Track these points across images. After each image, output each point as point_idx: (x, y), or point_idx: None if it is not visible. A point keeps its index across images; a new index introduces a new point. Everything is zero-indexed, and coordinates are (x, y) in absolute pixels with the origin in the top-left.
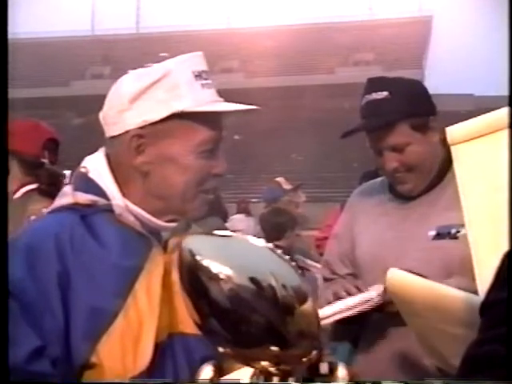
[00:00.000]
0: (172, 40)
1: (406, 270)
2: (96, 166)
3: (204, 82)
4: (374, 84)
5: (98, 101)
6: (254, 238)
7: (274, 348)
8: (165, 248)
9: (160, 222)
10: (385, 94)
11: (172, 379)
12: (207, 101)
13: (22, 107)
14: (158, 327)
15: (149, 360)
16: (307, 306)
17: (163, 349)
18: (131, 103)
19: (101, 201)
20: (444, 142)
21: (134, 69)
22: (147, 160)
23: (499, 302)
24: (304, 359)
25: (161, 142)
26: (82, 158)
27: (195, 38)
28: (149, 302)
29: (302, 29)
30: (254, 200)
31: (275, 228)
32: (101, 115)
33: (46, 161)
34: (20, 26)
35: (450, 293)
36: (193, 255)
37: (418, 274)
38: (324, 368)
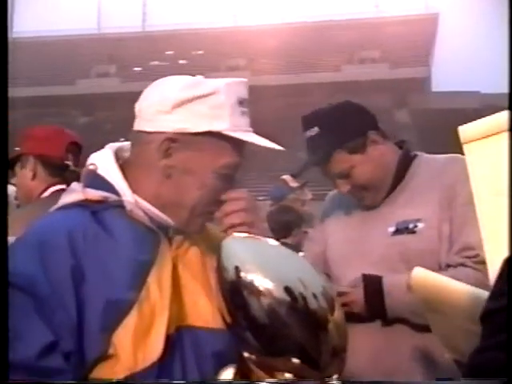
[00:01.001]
0: (178, 38)
1: (368, 265)
2: (104, 163)
3: (244, 109)
4: (306, 121)
5: (104, 99)
6: (275, 240)
7: (296, 360)
8: (170, 243)
9: (168, 218)
10: (315, 129)
11: (180, 373)
12: (243, 129)
13: (28, 105)
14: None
15: (160, 352)
16: (337, 314)
17: (172, 341)
18: (173, 108)
19: (112, 197)
20: (400, 146)
21: (140, 67)
22: (171, 164)
23: (499, 310)
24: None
25: (189, 152)
26: (88, 156)
27: (201, 36)
28: (160, 296)
29: (307, 27)
30: (260, 198)
31: (283, 226)
32: (136, 107)
33: (70, 163)
34: (26, 25)
35: (470, 291)
36: (238, 272)
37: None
38: None
